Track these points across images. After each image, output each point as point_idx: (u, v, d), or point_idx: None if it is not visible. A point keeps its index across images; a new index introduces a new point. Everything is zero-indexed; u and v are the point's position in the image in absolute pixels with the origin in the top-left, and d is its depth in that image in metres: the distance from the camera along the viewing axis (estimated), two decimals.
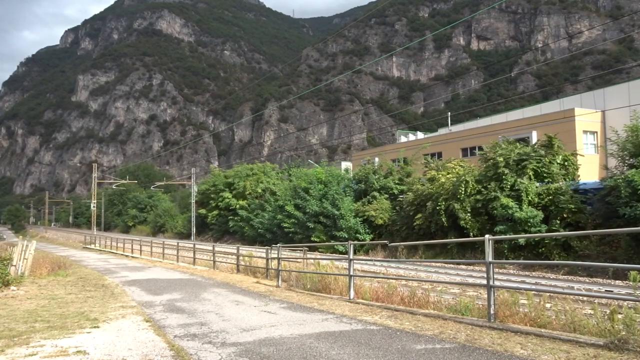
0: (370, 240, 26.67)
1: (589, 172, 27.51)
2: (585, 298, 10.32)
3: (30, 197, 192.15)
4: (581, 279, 15.60)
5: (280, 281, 13.20)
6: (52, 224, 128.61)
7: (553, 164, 21.34)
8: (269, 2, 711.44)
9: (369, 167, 32.29)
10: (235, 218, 42.64)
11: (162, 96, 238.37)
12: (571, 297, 10.19)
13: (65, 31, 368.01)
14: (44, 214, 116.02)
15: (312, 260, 15.58)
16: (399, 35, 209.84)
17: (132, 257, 27.45)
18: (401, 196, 27.79)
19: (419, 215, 24.01)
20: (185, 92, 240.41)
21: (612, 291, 12.38)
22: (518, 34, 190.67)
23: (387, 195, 29.15)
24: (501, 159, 21.30)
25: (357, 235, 27.42)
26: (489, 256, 7.37)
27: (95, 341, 6.77)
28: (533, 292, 7.81)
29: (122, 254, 29.90)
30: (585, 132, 32.99)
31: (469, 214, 21.56)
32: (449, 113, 51.86)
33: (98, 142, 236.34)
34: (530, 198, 19.87)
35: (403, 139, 53.85)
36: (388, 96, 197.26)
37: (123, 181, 68.95)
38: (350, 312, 8.69)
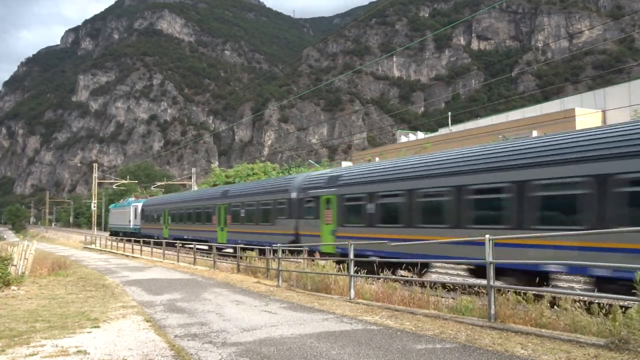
0: None
1: None
2: (586, 298, 10.31)
3: (30, 197, 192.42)
4: (582, 278, 15.57)
5: (280, 281, 13.20)
6: (53, 224, 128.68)
7: None
8: (269, 2, 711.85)
9: None
10: None
11: (162, 96, 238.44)
12: (572, 297, 10.17)
13: (66, 31, 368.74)
14: (44, 214, 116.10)
15: (312, 260, 15.59)
16: (399, 35, 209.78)
17: (133, 257, 27.45)
18: None
19: None
20: (186, 92, 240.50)
21: None
22: (518, 33, 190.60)
23: None
24: None
25: None
26: (489, 256, 7.38)
27: (95, 341, 6.78)
28: (533, 292, 7.81)
29: (122, 254, 29.92)
30: None
31: None
32: (450, 113, 51.77)
33: (98, 142, 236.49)
34: None
35: (403, 139, 53.83)
36: (388, 96, 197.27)
37: (123, 181, 68.93)
38: (351, 312, 8.70)
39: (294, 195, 20.19)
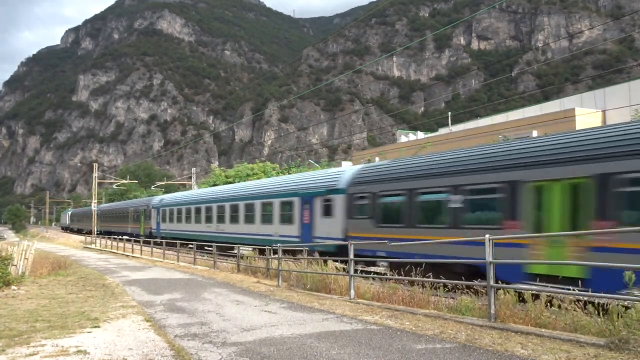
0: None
1: None
2: (585, 298, 10.30)
3: (30, 197, 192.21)
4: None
5: (280, 281, 13.20)
6: (53, 224, 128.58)
7: None
8: (269, 2, 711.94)
9: None
10: None
11: (162, 96, 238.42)
12: (571, 296, 10.17)
13: (66, 31, 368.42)
14: (44, 214, 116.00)
15: (312, 260, 15.57)
16: (399, 35, 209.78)
17: (133, 256, 27.46)
18: None
19: None
20: (186, 92, 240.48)
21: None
22: (518, 33, 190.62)
23: None
24: None
25: None
26: (489, 256, 7.37)
27: (95, 341, 6.78)
28: (533, 291, 7.81)
29: (122, 254, 29.91)
30: None
31: None
32: (450, 113, 51.74)
33: (98, 142, 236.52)
34: None
35: (403, 139, 53.79)
36: (388, 96, 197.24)
37: (123, 181, 68.81)
38: (351, 312, 8.69)
39: (97, 211, 52.21)
